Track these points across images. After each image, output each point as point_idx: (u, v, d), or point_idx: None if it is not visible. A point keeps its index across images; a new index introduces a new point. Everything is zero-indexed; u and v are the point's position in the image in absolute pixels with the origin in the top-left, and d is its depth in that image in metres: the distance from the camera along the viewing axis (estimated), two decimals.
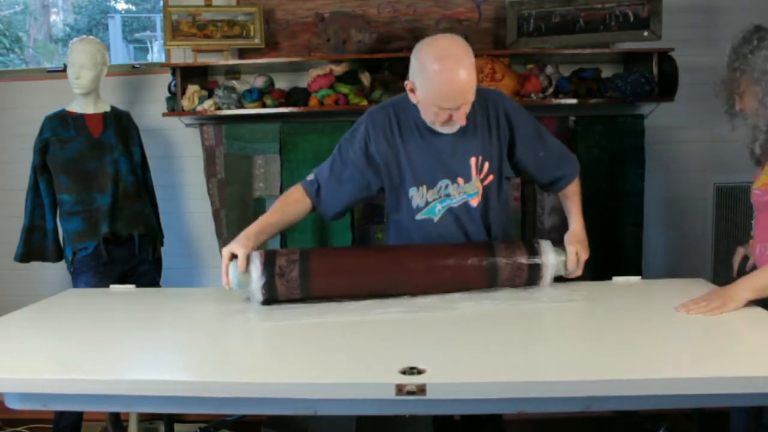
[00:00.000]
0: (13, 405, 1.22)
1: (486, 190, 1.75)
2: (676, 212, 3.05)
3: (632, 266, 2.84)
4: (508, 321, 1.44)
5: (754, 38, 1.72)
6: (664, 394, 1.11)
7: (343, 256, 1.70)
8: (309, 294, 1.57)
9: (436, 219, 1.75)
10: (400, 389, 1.07)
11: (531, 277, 1.65)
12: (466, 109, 1.59)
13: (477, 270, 1.62)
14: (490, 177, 1.74)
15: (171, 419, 1.96)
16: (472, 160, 1.71)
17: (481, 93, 1.69)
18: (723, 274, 2.95)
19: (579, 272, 1.72)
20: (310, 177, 1.78)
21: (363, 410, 1.24)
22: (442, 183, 1.72)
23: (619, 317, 1.48)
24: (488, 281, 1.63)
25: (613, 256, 2.83)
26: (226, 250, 1.58)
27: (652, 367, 1.14)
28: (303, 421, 2.40)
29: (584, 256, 1.73)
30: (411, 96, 1.66)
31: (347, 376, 1.14)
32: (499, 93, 1.77)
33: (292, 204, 1.74)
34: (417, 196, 1.73)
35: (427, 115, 1.64)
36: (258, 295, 1.55)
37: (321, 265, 1.59)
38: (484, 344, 1.30)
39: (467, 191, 1.73)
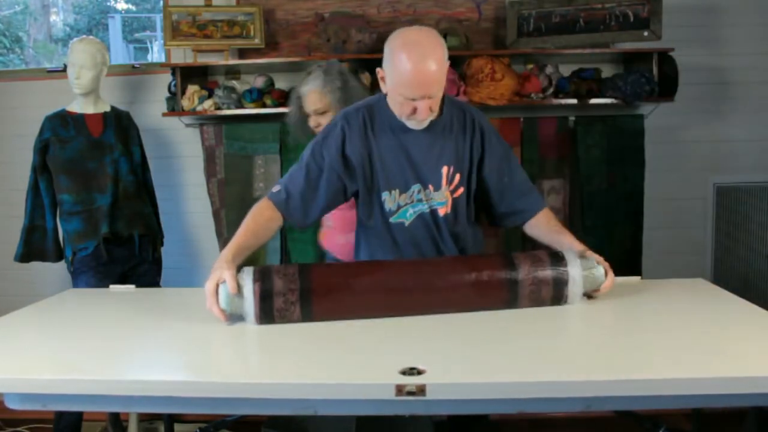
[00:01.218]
0: (13, 405, 1.22)
1: (455, 203, 1.71)
2: (676, 212, 3.05)
3: (632, 266, 2.84)
4: (507, 321, 1.44)
5: None
6: (664, 395, 1.10)
7: (347, 278, 1.49)
8: (311, 319, 1.45)
9: (407, 223, 1.72)
10: (400, 390, 1.06)
11: (556, 296, 1.50)
12: (431, 104, 1.55)
13: (495, 294, 1.50)
14: (461, 190, 1.71)
15: (171, 419, 1.96)
16: (444, 169, 1.68)
17: (462, 106, 1.73)
18: (723, 274, 2.96)
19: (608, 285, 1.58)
20: (276, 188, 1.67)
21: (363, 410, 1.24)
22: (415, 188, 1.69)
23: (618, 317, 1.48)
24: (507, 304, 1.51)
25: (613, 256, 2.83)
26: (211, 282, 1.43)
27: (652, 368, 1.14)
28: (303, 421, 2.40)
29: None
30: (382, 85, 1.62)
31: (347, 376, 1.14)
32: (479, 111, 1.76)
33: (263, 224, 1.63)
34: (389, 200, 1.70)
35: (394, 106, 1.61)
36: (253, 320, 1.43)
37: (323, 291, 1.45)
38: (483, 344, 1.30)
39: (436, 199, 1.69)
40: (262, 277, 1.43)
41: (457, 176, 1.70)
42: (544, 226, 1.73)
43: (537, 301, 1.49)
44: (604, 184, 2.87)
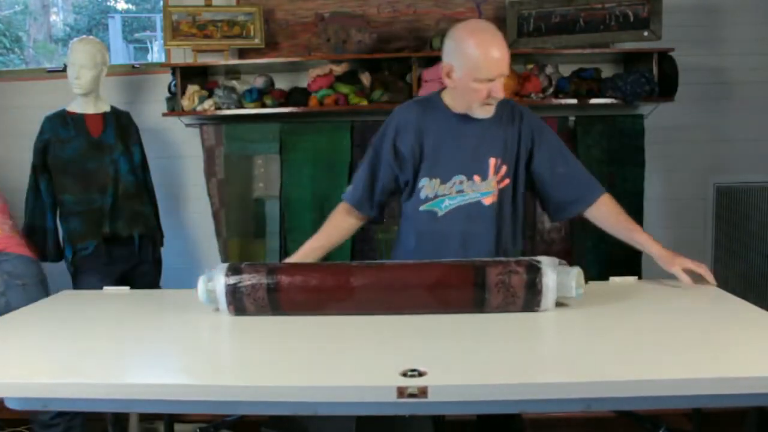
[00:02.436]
0: (13, 405, 1.22)
1: (501, 194, 1.76)
2: (676, 212, 3.05)
3: (632, 266, 2.83)
4: (507, 321, 1.43)
5: None
6: (664, 395, 1.10)
7: (311, 274, 1.52)
8: (279, 311, 1.49)
9: (440, 213, 1.76)
10: (401, 392, 1.06)
11: (527, 302, 1.44)
12: (501, 84, 1.63)
13: (462, 296, 1.47)
14: (506, 181, 1.76)
15: (171, 419, 1.96)
16: (491, 161, 1.73)
17: (509, 101, 1.81)
18: (723, 274, 2.96)
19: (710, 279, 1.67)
20: (348, 188, 1.84)
21: (363, 410, 1.24)
22: (456, 179, 1.74)
23: (618, 317, 1.48)
24: (475, 307, 1.47)
25: (613, 256, 2.83)
26: None
27: (652, 368, 1.14)
28: (303, 422, 2.40)
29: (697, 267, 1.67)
30: (447, 81, 1.70)
31: (348, 379, 1.14)
32: (528, 109, 1.82)
33: (335, 224, 1.82)
34: (428, 186, 1.75)
35: (465, 95, 1.68)
36: (227, 311, 1.49)
37: (290, 284, 1.48)
38: (483, 345, 1.30)
39: (481, 190, 1.74)
40: (233, 272, 1.47)
41: (504, 167, 1.75)
42: (613, 218, 1.77)
43: (507, 301, 1.44)
44: (604, 184, 2.84)
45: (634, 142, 2.86)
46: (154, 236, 2.67)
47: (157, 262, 2.72)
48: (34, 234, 2.52)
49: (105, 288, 1.89)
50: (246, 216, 2.96)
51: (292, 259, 1.74)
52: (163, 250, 2.77)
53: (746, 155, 3.00)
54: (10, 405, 1.23)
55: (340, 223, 1.83)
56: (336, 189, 2.90)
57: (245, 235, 2.97)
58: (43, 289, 2.33)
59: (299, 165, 2.91)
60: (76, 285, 2.49)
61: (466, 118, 1.73)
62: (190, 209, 3.15)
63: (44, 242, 2.53)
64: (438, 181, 1.74)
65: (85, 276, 2.48)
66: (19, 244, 2.36)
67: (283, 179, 2.93)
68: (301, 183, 2.91)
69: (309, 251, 1.76)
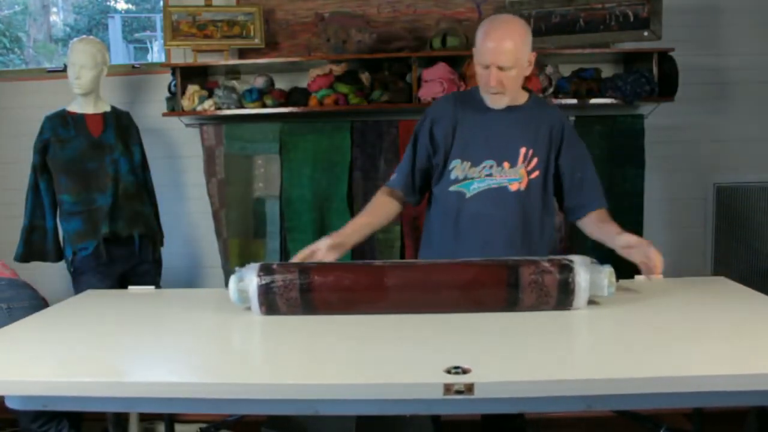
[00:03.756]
0: (14, 405, 1.22)
1: (531, 184, 1.81)
2: (676, 212, 3.05)
3: (632, 266, 2.83)
4: (506, 321, 1.43)
5: None
6: (666, 392, 1.10)
7: (344, 274, 1.52)
8: (312, 310, 1.49)
9: (468, 195, 1.81)
10: (448, 389, 1.06)
11: (560, 301, 1.45)
12: (502, 77, 1.71)
13: (495, 296, 1.47)
14: (537, 172, 1.82)
15: (171, 419, 1.96)
16: (522, 149, 1.80)
17: (547, 102, 2.03)
18: (723, 274, 2.96)
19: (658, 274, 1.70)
20: (393, 174, 1.94)
21: (364, 410, 1.24)
22: (487, 163, 1.80)
23: (618, 317, 1.48)
24: (509, 307, 1.47)
25: (613, 255, 2.83)
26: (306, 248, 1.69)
27: (653, 366, 1.14)
28: (303, 422, 2.40)
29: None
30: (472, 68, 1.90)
31: (393, 377, 1.13)
32: (563, 112, 1.92)
33: (378, 205, 1.90)
34: (459, 168, 1.82)
35: (478, 79, 1.79)
36: (258, 311, 1.48)
37: (323, 284, 1.48)
38: (522, 343, 1.30)
39: (509, 176, 1.80)
40: (265, 272, 1.46)
41: (535, 159, 1.81)
42: (595, 220, 1.84)
43: (540, 301, 1.45)
44: (604, 184, 2.86)
45: (634, 142, 2.86)
46: (154, 236, 2.67)
47: (157, 262, 2.72)
48: (34, 234, 2.52)
49: (130, 288, 1.88)
50: (246, 216, 2.96)
51: (340, 233, 1.77)
52: (163, 250, 2.77)
53: (746, 155, 3.00)
54: (10, 405, 1.23)
55: (386, 204, 1.91)
56: (336, 189, 2.91)
57: (245, 235, 2.97)
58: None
59: (299, 165, 2.91)
60: (76, 285, 2.49)
61: (501, 110, 1.81)
62: (190, 209, 3.15)
63: (44, 242, 2.53)
64: (469, 164, 1.81)
65: (85, 276, 2.48)
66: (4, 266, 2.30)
67: (283, 179, 2.93)
68: (301, 183, 2.91)
69: (358, 227, 1.83)
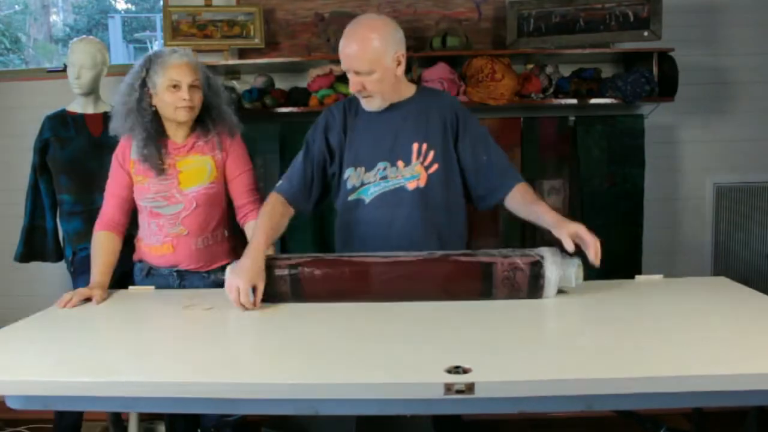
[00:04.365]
0: (14, 405, 1.22)
1: (430, 179, 1.76)
2: (676, 212, 3.05)
3: (632, 266, 2.84)
4: (506, 320, 1.44)
5: None
6: (666, 392, 1.10)
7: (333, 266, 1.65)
8: (301, 298, 1.63)
9: (366, 201, 1.78)
10: (448, 388, 1.07)
11: (531, 294, 1.57)
12: (365, 82, 1.68)
13: (471, 289, 1.59)
14: (436, 166, 1.76)
15: (171, 419, 1.96)
16: (414, 145, 1.76)
17: (438, 92, 2.03)
18: (723, 274, 2.96)
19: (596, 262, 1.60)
20: (281, 181, 1.86)
21: (364, 410, 1.24)
22: (381, 165, 1.77)
23: (618, 316, 1.48)
24: (483, 297, 1.58)
25: (613, 255, 2.83)
26: (244, 283, 1.54)
27: (653, 365, 1.14)
28: (303, 422, 2.40)
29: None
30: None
31: (392, 376, 1.13)
32: (455, 97, 1.90)
33: (278, 220, 1.80)
34: (354, 176, 1.78)
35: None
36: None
37: (312, 274, 1.63)
38: (514, 342, 1.30)
39: (405, 175, 1.76)
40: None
41: (432, 152, 1.76)
42: (519, 198, 1.74)
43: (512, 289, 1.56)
44: (604, 184, 2.87)
45: (634, 142, 2.86)
46: None
47: None
48: (34, 234, 2.52)
49: (130, 288, 1.89)
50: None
51: (255, 256, 1.62)
52: None
53: (746, 155, 3.00)
54: (11, 404, 1.23)
55: (283, 220, 1.82)
56: None
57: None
58: None
59: None
60: (76, 285, 2.48)
61: (387, 109, 1.77)
62: None
63: (44, 242, 2.53)
64: (363, 169, 1.78)
65: (85, 276, 2.45)
66: None
67: None
68: None
69: (261, 254, 1.64)
